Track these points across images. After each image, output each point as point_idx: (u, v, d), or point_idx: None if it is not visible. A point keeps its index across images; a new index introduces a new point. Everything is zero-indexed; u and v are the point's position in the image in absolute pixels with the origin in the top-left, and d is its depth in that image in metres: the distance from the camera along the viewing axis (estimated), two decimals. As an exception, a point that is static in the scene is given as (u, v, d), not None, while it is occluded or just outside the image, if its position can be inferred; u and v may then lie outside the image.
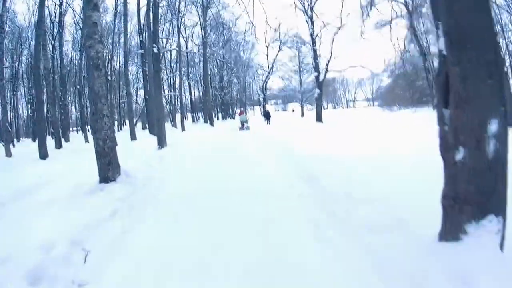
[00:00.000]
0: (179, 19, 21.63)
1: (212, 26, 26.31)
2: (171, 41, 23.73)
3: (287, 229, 2.76)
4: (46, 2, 12.90)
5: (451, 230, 1.86)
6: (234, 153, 7.59)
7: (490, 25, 1.75)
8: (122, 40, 19.45)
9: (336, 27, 19.69)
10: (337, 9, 46.31)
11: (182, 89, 26.20)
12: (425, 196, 2.42)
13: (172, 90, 27.79)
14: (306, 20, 20.13)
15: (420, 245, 2.01)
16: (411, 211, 2.60)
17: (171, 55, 28.11)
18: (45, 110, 14.79)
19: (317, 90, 20.50)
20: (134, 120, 30.73)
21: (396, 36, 26.40)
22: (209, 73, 28.53)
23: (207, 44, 25.27)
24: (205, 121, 27.87)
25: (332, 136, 9.13)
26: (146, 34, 14.30)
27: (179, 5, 20.05)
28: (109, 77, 26.83)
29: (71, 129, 26.04)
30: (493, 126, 1.68)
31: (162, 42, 21.13)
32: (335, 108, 63.22)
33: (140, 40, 18.71)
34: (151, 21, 9.02)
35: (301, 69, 34.32)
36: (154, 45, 8.67)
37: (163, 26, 23.39)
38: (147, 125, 23.35)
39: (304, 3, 19.83)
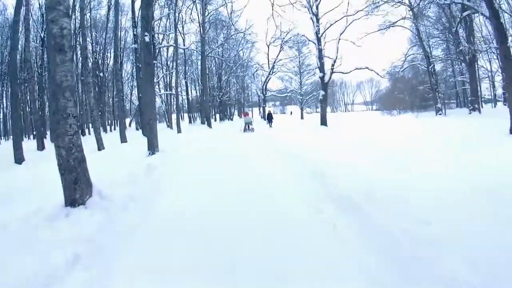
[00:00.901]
0: (176, 11, 20.39)
1: (211, 22, 25.14)
2: (168, 37, 22.42)
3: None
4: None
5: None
6: (240, 163, 6.22)
7: None
8: (118, 34, 18.10)
9: (342, 25, 18.57)
10: (343, 8, 45.94)
11: (179, 89, 24.79)
12: None
13: (168, 89, 26.42)
14: (311, 18, 18.92)
15: None
16: None
17: (167, 52, 26.81)
18: (28, 108, 13.41)
19: (322, 92, 19.25)
20: (128, 121, 29.31)
21: (399, 39, 25.83)
22: (207, 72, 27.24)
23: (205, 41, 24.03)
24: (203, 122, 26.58)
25: (351, 146, 7.49)
26: (141, 28, 13.03)
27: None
28: (101, 74, 25.51)
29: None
30: None
31: (158, 37, 19.79)
32: (333, 111, 62.12)
33: (134, 34, 17.43)
34: (145, 5, 7.63)
35: (302, 71, 33.35)
36: (146, 33, 7.27)
37: (159, 22, 22.16)
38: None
39: (309, 0, 18.68)
